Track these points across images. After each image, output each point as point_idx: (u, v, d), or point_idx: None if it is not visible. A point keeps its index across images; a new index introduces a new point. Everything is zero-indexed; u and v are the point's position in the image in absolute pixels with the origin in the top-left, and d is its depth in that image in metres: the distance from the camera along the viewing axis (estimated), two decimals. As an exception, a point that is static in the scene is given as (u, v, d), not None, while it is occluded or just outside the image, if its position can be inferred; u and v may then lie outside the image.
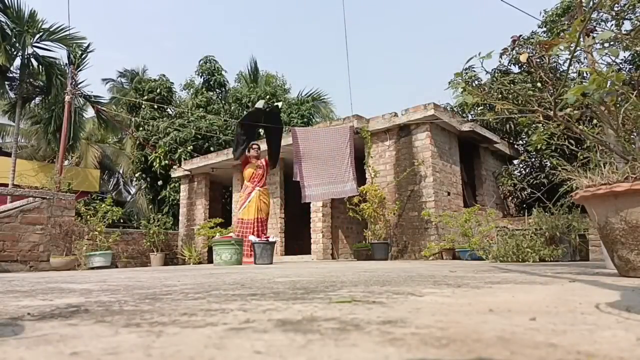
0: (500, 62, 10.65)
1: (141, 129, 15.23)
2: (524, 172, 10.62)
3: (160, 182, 14.87)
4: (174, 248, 11.94)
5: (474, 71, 10.17)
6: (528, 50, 9.27)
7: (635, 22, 6.80)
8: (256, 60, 19.17)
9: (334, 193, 8.11)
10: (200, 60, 17.66)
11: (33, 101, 16.64)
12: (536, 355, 0.64)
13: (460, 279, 2.20)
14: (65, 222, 7.35)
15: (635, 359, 0.62)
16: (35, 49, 14.70)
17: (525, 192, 9.42)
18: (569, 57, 2.19)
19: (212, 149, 14.11)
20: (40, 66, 14.97)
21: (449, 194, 8.38)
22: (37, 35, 14.37)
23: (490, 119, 9.36)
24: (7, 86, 15.19)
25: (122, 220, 13.59)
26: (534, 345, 0.70)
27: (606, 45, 2.42)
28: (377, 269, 3.62)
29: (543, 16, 11.16)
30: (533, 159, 10.34)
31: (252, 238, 7.59)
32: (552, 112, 2.36)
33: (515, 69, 11.17)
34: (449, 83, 2.74)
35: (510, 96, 9.31)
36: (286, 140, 8.77)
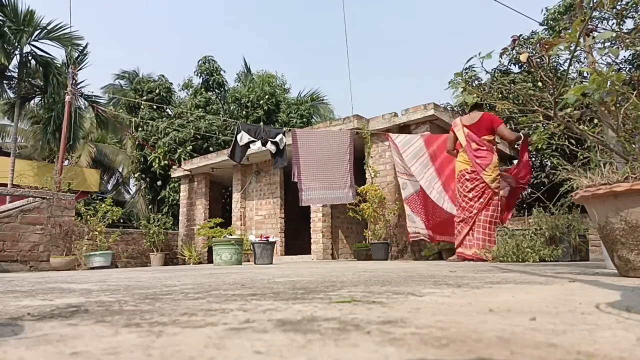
0: (500, 61, 10.64)
1: (140, 129, 15.23)
2: (524, 171, 10.61)
3: (159, 182, 14.88)
4: (174, 248, 11.94)
5: (474, 71, 10.17)
6: (528, 49, 9.27)
7: (637, 20, 6.80)
8: (247, 62, 19.52)
9: (332, 199, 8.12)
10: (199, 61, 17.70)
11: (32, 101, 16.64)
12: (536, 355, 0.64)
13: (460, 279, 2.20)
14: (65, 222, 7.35)
15: (635, 359, 0.62)
16: (32, 47, 14.69)
17: (526, 191, 9.41)
18: (569, 57, 2.19)
19: (211, 149, 14.12)
20: (38, 65, 14.95)
21: (449, 193, 8.37)
22: (35, 34, 14.35)
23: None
24: (5, 85, 15.17)
25: (122, 220, 13.60)
26: (534, 345, 0.70)
27: (606, 44, 2.42)
28: (377, 269, 3.62)
29: (545, 14, 11.16)
30: (533, 159, 10.34)
31: (252, 238, 7.59)
32: (552, 111, 2.36)
33: (515, 69, 11.17)
34: (449, 83, 2.74)
35: (510, 96, 9.31)
36: (287, 140, 8.82)
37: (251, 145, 8.76)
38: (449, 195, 6.67)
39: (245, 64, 19.24)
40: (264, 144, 8.75)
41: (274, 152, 8.83)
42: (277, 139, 8.74)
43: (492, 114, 5.81)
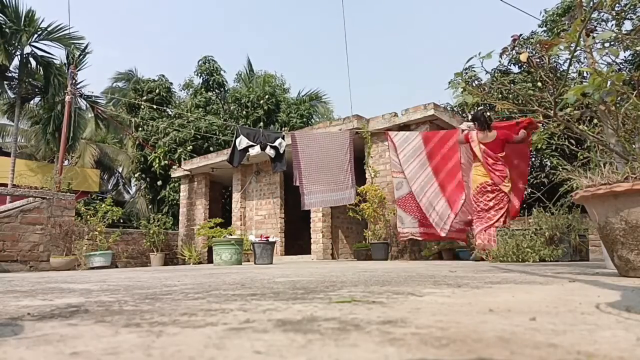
0: (500, 61, 10.63)
1: (140, 129, 15.23)
2: (524, 171, 10.61)
3: (160, 182, 14.88)
4: (174, 248, 11.94)
5: (474, 71, 10.17)
6: (528, 49, 9.28)
7: (636, 21, 6.80)
8: (250, 61, 19.36)
9: (333, 201, 8.10)
10: (199, 61, 17.70)
11: (32, 101, 16.65)
12: (536, 355, 0.64)
13: (460, 279, 2.20)
14: (65, 222, 7.35)
15: (635, 359, 0.62)
16: (33, 48, 14.70)
17: (526, 191, 9.42)
18: (569, 57, 2.19)
19: (211, 149, 14.12)
20: (39, 66, 14.96)
21: (449, 193, 8.36)
22: (35, 35, 14.35)
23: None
24: (6, 86, 15.18)
25: (122, 220, 13.60)
26: (534, 345, 0.70)
27: (606, 45, 2.42)
28: (377, 269, 3.62)
29: (543, 16, 11.16)
30: (533, 159, 10.34)
31: (252, 238, 7.59)
32: (552, 111, 2.36)
33: (515, 69, 11.17)
34: (449, 83, 2.74)
35: (510, 96, 9.31)
36: (287, 141, 8.81)
37: (250, 149, 8.75)
38: (446, 195, 6.76)
39: (250, 64, 19.25)
40: (263, 149, 8.75)
41: (273, 156, 8.82)
42: (277, 143, 8.73)
43: (504, 130, 6.14)
